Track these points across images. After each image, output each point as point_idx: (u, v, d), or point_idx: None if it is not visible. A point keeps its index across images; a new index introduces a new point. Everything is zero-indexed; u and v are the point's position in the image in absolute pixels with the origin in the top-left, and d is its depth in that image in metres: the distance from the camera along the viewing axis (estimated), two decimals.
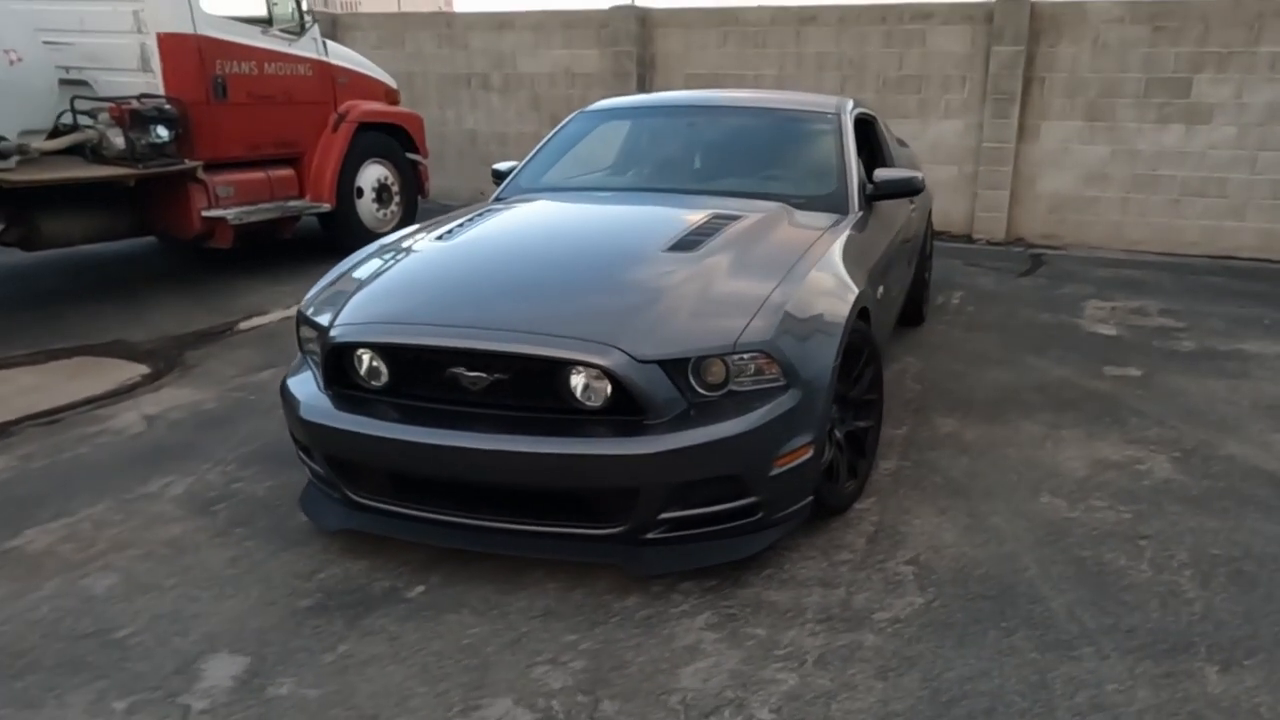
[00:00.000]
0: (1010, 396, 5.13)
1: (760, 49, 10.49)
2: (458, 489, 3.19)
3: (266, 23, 8.03)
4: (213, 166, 7.53)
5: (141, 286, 7.64)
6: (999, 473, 4.15)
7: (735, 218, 3.99)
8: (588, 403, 3.08)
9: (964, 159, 9.95)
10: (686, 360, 3.07)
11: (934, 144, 10.02)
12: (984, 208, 9.92)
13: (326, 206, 8.44)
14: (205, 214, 7.45)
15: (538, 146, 5.27)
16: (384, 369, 3.27)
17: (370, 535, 3.42)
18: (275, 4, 8.11)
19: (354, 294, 3.48)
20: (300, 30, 8.29)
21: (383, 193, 9.13)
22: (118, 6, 7.28)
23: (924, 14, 9.77)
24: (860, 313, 3.74)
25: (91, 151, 6.99)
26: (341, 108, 8.70)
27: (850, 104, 5.22)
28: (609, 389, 3.04)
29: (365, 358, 3.30)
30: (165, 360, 5.85)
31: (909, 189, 4.62)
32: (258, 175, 7.97)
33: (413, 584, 3.26)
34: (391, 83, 9.69)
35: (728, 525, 3.19)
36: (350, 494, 3.38)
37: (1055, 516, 3.74)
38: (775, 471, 3.15)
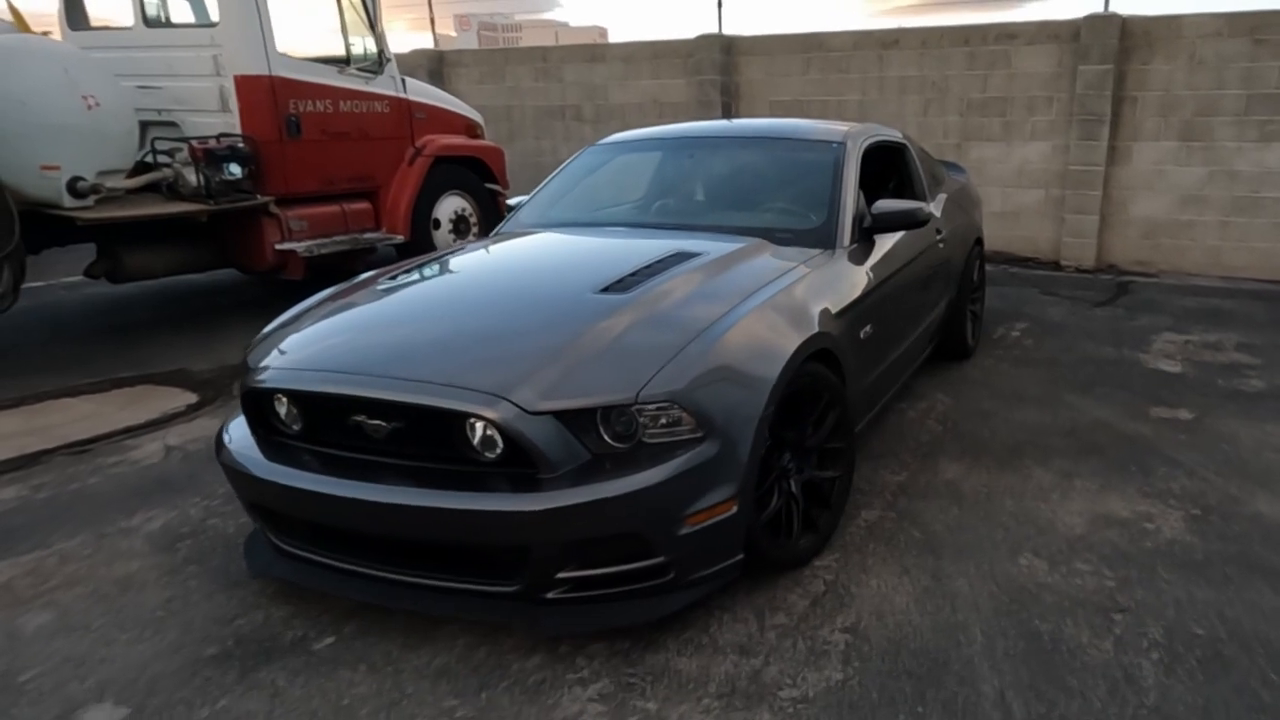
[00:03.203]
0: (1034, 440, 4.67)
1: (843, 74, 10.10)
2: (366, 540, 3.03)
3: (344, 62, 8.13)
4: (289, 201, 7.66)
5: (217, 317, 7.83)
6: (986, 528, 3.74)
7: (693, 255, 3.72)
8: (486, 454, 2.88)
9: (1051, 182, 9.32)
10: (590, 411, 2.83)
11: (1020, 168, 9.43)
12: (1071, 233, 9.25)
13: (400, 238, 8.48)
14: (278, 247, 7.57)
15: (545, 181, 5.11)
16: (298, 415, 3.15)
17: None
18: (353, 44, 8.21)
19: (282, 339, 3.37)
20: (378, 69, 8.36)
21: (460, 224, 9.14)
22: (200, 52, 7.47)
23: (1009, 34, 9.21)
24: (819, 355, 3.43)
25: (168, 189, 7.19)
26: (419, 142, 8.75)
27: (868, 131, 4.88)
28: (502, 441, 2.83)
29: (284, 403, 3.18)
30: (216, 389, 5.92)
31: (910, 222, 4.25)
32: (332, 209, 8.05)
33: (325, 634, 3.11)
34: (475, 116, 9.72)
35: (637, 586, 2.92)
36: (274, 540, 3.26)
37: (1028, 581, 3.32)
38: (686, 530, 2.87)
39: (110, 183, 6.72)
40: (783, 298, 3.45)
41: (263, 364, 3.23)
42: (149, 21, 7.84)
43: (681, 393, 2.85)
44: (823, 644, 2.97)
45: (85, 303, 8.43)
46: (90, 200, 6.52)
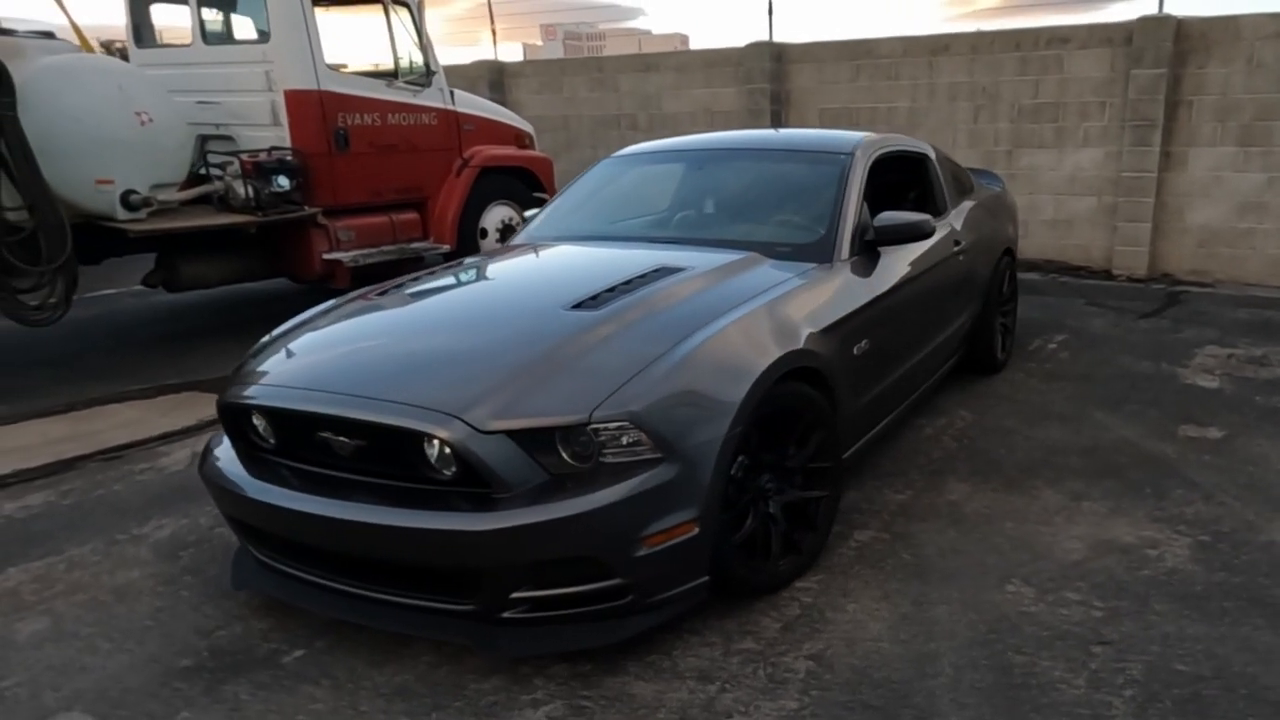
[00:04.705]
0: (1049, 459, 4.46)
1: (893, 81, 9.87)
2: (333, 554, 3.01)
3: (392, 76, 8.20)
4: (337, 211, 7.74)
5: (271, 325, 7.91)
6: (980, 552, 3.58)
7: (677, 270, 3.63)
8: (444, 472, 2.83)
9: (1104, 189, 8.96)
10: (547, 431, 2.77)
11: (1072, 175, 9.09)
12: (1124, 241, 8.87)
13: (447, 247, 8.51)
14: (325, 256, 7.66)
15: (559, 192, 5.07)
16: (271, 431, 3.14)
17: None
18: (400, 58, 8.28)
19: (267, 354, 3.38)
20: (426, 81, 8.40)
21: (507, 233, 9.13)
22: (252, 67, 7.60)
23: (1061, 38, 8.89)
24: (800, 372, 3.31)
25: (219, 201, 7.32)
26: (466, 153, 8.78)
27: (881, 142, 4.71)
28: (455, 460, 2.78)
29: (261, 418, 3.18)
30: None
31: (914, 234, 4.10)
32: (380, 219, 8.13)
33: (297, 647, 3.10)
34: (525, 127, 9.72)
35: (595, 607, 2.85)
36: (254, 553, 3.27)
37: (1011, 610, 3.16)
38: (644, 551, 2.78)
39: (162, 195, 6.86)
40: (761, 313, 3.33)
41: (241, 378, 3.24)
42: (207, 39, 8.01)
43: (638, 413, 2.77)
44: (785, 671, 2.86)
45: (149, 310, 8.65)
46: (143, 213, 6.65)
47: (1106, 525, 3.76)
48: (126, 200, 6.54)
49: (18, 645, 3.18)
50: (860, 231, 4.10)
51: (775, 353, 3.18)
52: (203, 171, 7.49)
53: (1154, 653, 2.89)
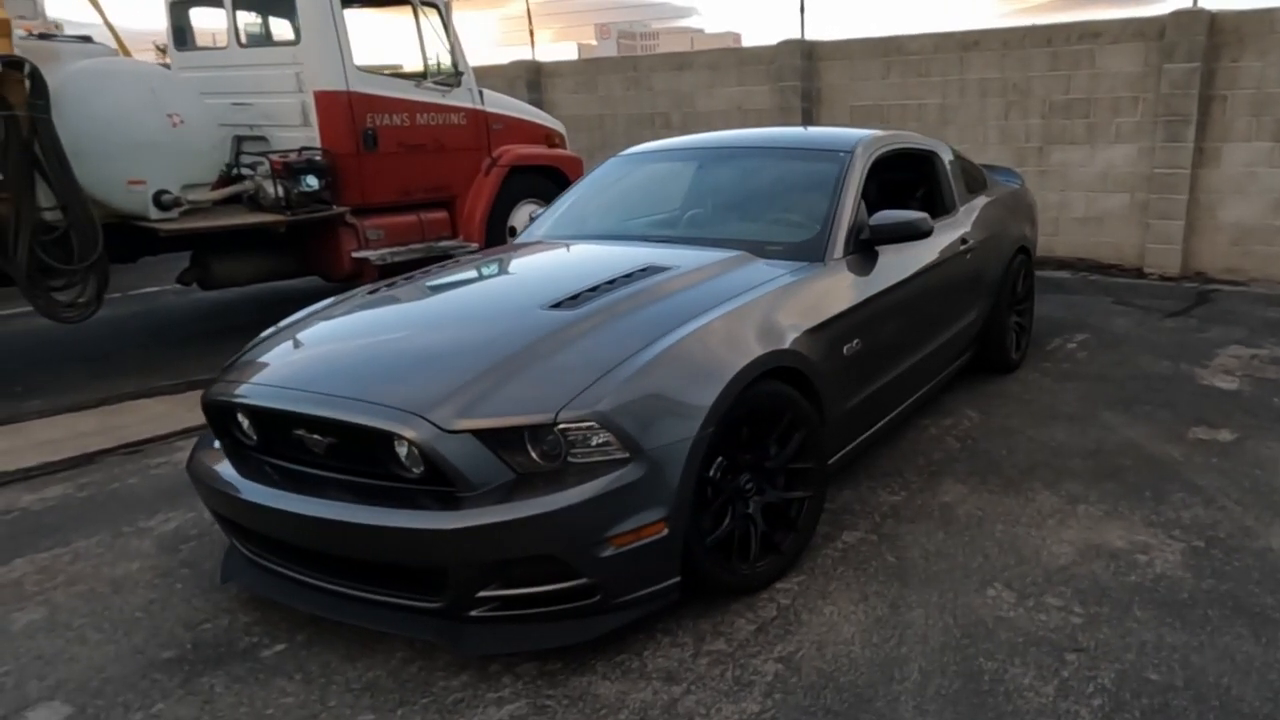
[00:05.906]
0: (1050, 461, 4.36)
1: (923, 78, 9.72)
2: (309, 551, 3.03)
3: (421, 76, 8.24)
4: (367, 211, 7.80)
5: None
6: (966, 555, 3.50)
7: (663, 269, 3.60)
8: (413, 470, 2.84)
9: (1137, 186, 8.74)
10: (515, 430, 2.76)
11: (1104, 171, 8.89)
12: (1156, 239, 8.65)
13: (474, 246, 8.54)
14: (354, 255, 7.73)
15: (566, 192, 5.05)
16: (251, 428, 3.17)
17: None
18: (429, 59, 8.32)
19: (257, 353, 3.42)
20: (455, 81, 8.43)
21: None
22: (284, 69, 7.69)
23: (1092, 32, 8.68)
24: (781, 372, 3.26)
25: (249, 200, 7.41)
26: (495, 152, 8.80)
27: (883, 140, 4.63)
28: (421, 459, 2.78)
29: (244, 416, 3.21)
30: None
31: (910, 233, 4.02)
32: (409, 218, 8.18)
33: (278, 641, 3.12)
34: (555, 126, 9.72)
35: (563, 606, 2.83)
36: (240, 547, 3.30)
37: (988, 614, 3.08)
38: (611, 552, 2.76)
39: (194, 195, 6.96)
40: (742, 313, 3.29)
41: (226, 376, 3.28)
42: (241, 42, 8.12)
43: (605, 413, 2.75)
44: (752, 674, 2.82)
45: (187, 308, 8.79)
46: (174, 213, 6.75)
47: (1099, 529, 3.66)
48: (158, 200, 6.63)
49: (12, 635, 3.24)
50: (856, 230, 4.04)
51: (753, 352, 3.14)
52: (237, 172, 7.60)
53: (1128, 661, 2.80)
